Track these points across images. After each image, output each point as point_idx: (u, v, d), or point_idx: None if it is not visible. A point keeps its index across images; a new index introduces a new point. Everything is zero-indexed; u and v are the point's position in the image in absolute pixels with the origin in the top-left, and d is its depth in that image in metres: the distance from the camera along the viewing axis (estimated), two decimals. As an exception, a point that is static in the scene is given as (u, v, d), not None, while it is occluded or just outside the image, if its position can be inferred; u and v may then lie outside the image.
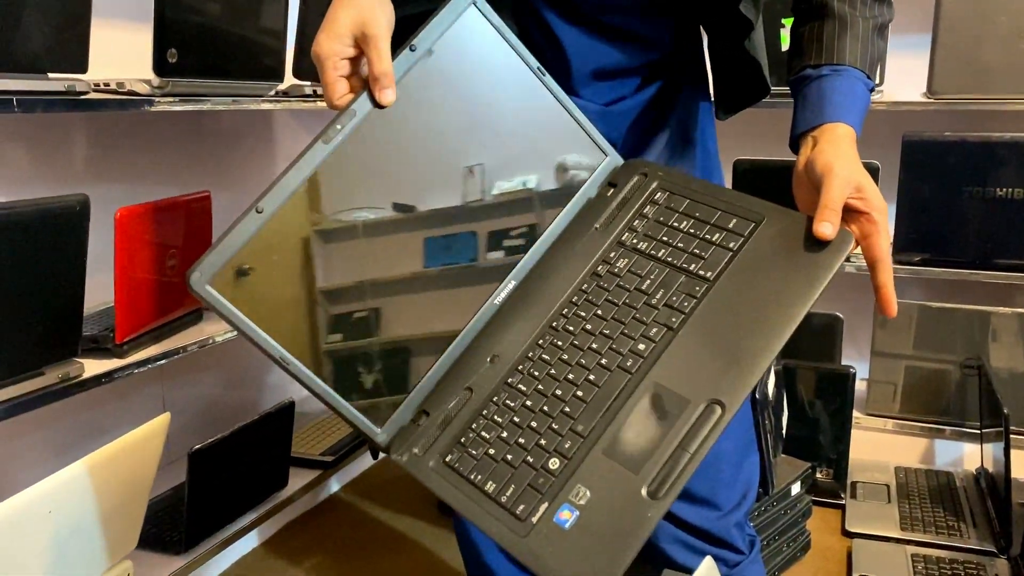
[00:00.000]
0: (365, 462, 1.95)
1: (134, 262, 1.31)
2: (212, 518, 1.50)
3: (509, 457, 0.71)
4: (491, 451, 0.72)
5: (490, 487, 0.69)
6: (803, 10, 1.08)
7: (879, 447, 2.01)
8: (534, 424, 0.72)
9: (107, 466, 1.11)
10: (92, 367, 1.29)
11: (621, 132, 1.16)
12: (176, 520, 1.50)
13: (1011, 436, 1.74)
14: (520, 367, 0.76)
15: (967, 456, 1.97)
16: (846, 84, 0.98)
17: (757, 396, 1.41)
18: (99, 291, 1.52)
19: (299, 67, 1.63)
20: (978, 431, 1.90)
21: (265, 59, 1.53)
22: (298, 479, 1.74)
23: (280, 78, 1.57)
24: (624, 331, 0.75)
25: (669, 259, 0.79)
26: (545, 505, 0.67)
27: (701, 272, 0.78)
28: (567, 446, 0.69)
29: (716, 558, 1.39)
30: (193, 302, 1.49)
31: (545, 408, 0.72)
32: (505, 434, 0.72)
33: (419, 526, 1.73)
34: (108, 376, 1.29)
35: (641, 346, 0.74)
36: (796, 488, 1.56)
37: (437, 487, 0.73)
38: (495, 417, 0.74)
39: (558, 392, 0.73)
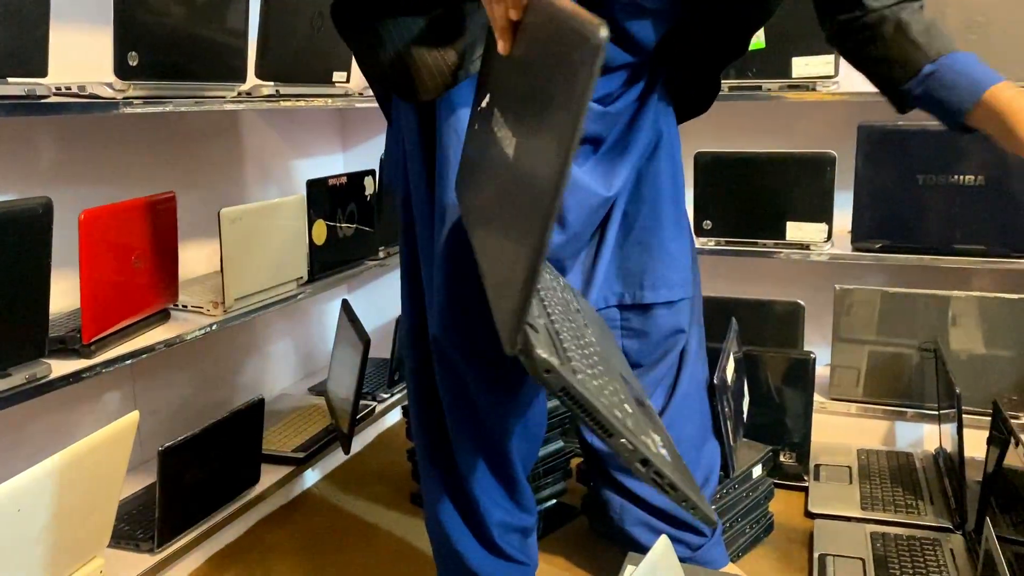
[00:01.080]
0: (338, 457, 1.97)
1: (99, 263, 1.32)
2: (183, 515, 1.52)
3: None
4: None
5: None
6: (863, 30, 1.18)
7: (843, 430, 2.06)
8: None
9: (76, 464, 1.13)
10: (59, 367, 1.30)
11: (611, 131, 1.20)
12: (148, 518, 1.52)
13: (965, 416, 1.80)
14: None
15: (927, 437, 2.02)
16: (970, 60, 1.11)
17: (715, 382, 1.44)
18: (69, 293, 1.54)
19: (262, 68, 1.64)
20: (936, 412, 1.96)
21: (227, 60, 1.55)
22: (270, 475, 1.76)
23: (243, 79, 1.59)
24: None
25: None
26: None
27: None
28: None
29: (680, 540, 1.43)
30: (160, 301, 1.51)
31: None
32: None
33: (391, 517, 1.75)
34: (76, 376, 1.30)
35: None
36: (757, 471, 1.60)
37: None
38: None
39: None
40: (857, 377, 2.05)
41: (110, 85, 1.37)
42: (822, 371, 2.09)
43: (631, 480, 1.40)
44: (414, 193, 1.20)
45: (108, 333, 1.38)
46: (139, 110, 1.40)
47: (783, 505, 1.76)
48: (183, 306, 1.57)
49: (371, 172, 1.92)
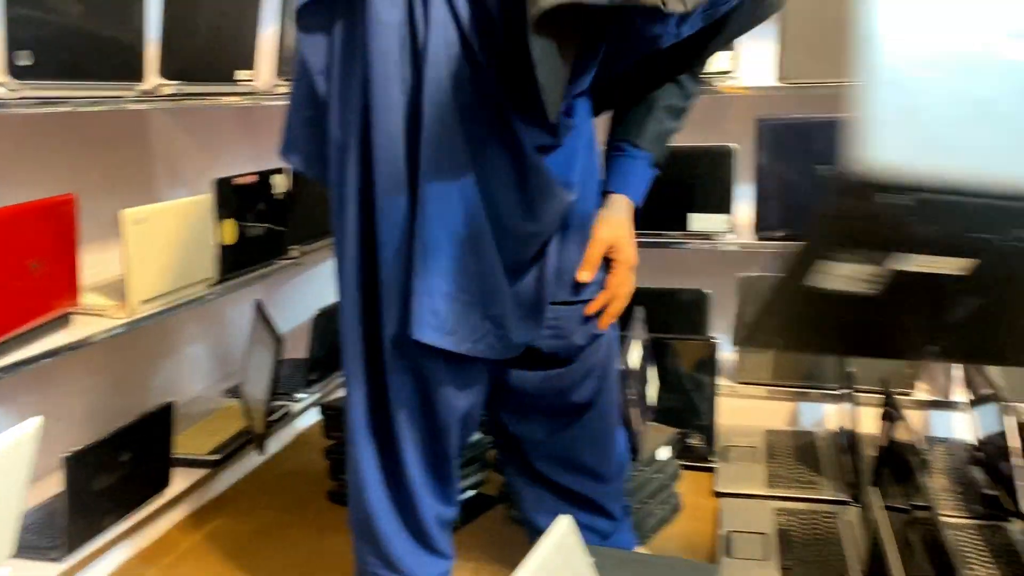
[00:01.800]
0: (255, 459, 1.96)
1: (-7, 267, 1.29)
2: (93, 522, 1.49)
3: None
4: None
5: None
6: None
7: (751, 413, 2.14)
8: None
9: (-27, 473, 1.10)
10: (-47, 375, 1.27)
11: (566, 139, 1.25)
12: (56, 526, 1.49)
13: (863, 395, 1.89)
14: None
15: (830, 416, 2.11)
16: (636, 165, 1.33)
17: (620, 368, 1.49)
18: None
19: (164, 67, 1.62)
20: (838, 393, 2.05)
21: (126, 59, 1.53)
22: (184, 479, 1.74)
23: (141, 78, 1.56)
24: None
25: None
26: None
27: None
28: None
29: (591, 527, 1.46)
30: (61, 306, 1.48)
31: None
32: None
33: (309, 516, 1.75)
34: (-29, 383, 1.27)
35: None
36: (664, 453, 1.65)
37: None
38: None
39: None
40: (764, 361, 2.13)
41: (3, 85, 1.34)
42: (731, 356, 2.17)
43: (545, 466, 1.43)
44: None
45: (5, 339, 1.35)
46: (34, 110, 1.37)
47: (692, 486, 1.82)
48: (85, 310, 1.54)
49: (280, 170, 1.91)
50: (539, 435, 1.40)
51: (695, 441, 1.91)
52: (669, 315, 2.12)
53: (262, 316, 1.81)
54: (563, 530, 1.04)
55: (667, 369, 1.93)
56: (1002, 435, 1.60)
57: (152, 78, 1.61)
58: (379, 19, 1.12)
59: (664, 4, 0.98)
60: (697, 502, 1.76)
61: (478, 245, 1.16)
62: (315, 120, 1.23)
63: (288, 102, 1.28)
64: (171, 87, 1.64)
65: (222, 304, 2.18)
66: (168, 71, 1.63)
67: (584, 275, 1.29)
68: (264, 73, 2.00)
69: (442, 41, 1.11)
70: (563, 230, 1.26)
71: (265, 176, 1.86)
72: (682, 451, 1.87)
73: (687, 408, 1.93)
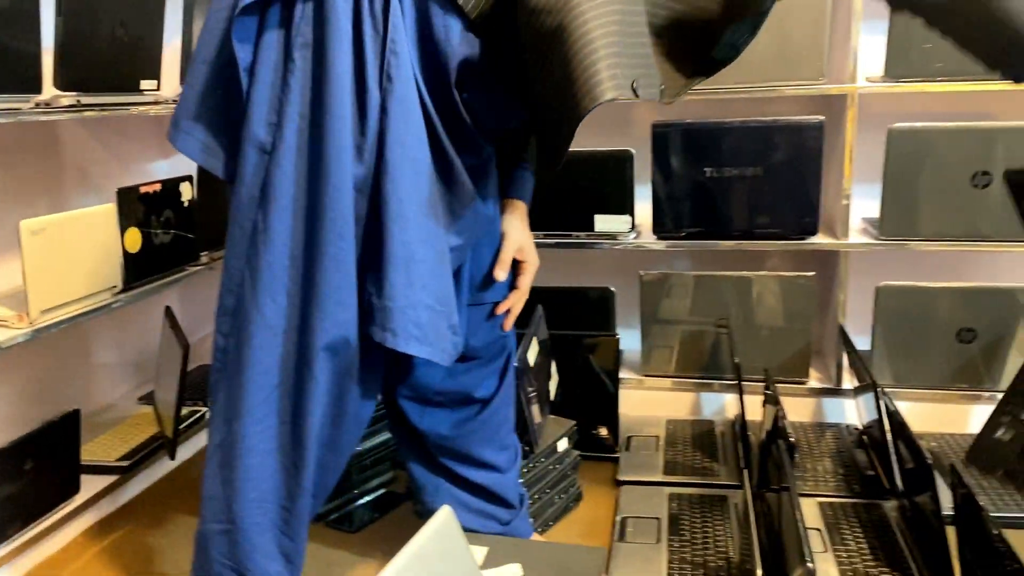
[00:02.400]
0: (164, 466, 1.98)
1: None
2: (-4, 530, 1.50)
3: None
4: None
5: None
6: None
7: (656, 404, 2.23)
8: None
9: None
10: None
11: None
12: (-43, 536, 1.50)
13: (756, 384, 1.99)
14: None
15: (728, 405, 2.21)
16: (528, 175, 1.46)
17: (517, 364, 1.55)
18: None
19: (61, 77, 1.63)
20: (735, 382, 2.15)
21: (20, 70, 1.54)
22: (93, 485, 1.75)
23: (39, 89, 1.58)
24: None
25: None
26: None
27: None
28: None
29: (492, 516, 1.53)
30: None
31: None
32: None
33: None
34: None
35: None
36: (563, 444, 1.73)
37: None
38: None
39: None
40: (669, 355, 2.22)
41: None
42: (636, 350, 2.26)
43: (447, 459, 1.49)
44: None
45: (-99, 351, 1.36)
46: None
47: (596, 475, 1.90)
48: (-14, 320, 1.55)
49: (188, 178, 1.93)
50: (442, 429, 1.46)
51: (600, 432, 1.99)
52: (576, 313, 2.20)
53: (170, 321, 1.83)
54: (442, 518, 1.10)
55: (573, 364, 2.01)
56: (880, 420, 1.71)
57: (49, 89, 1.62)
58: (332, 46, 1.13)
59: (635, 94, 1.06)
60: (600, 491, 1.84)
61: (443, 257, 1.22)
62: (221, 111, 1.22)
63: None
64: (69, 98, 1.66)
65: (133, 312, 2.19)
66: (65, 82, 1.64)
67: (500, 274, 1.40)
68: (170, 82, 2.02)
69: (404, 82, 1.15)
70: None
71: (171, 184, 1.88)
72: (588, 442, 1.95)
73: (593, 401, 2.01)
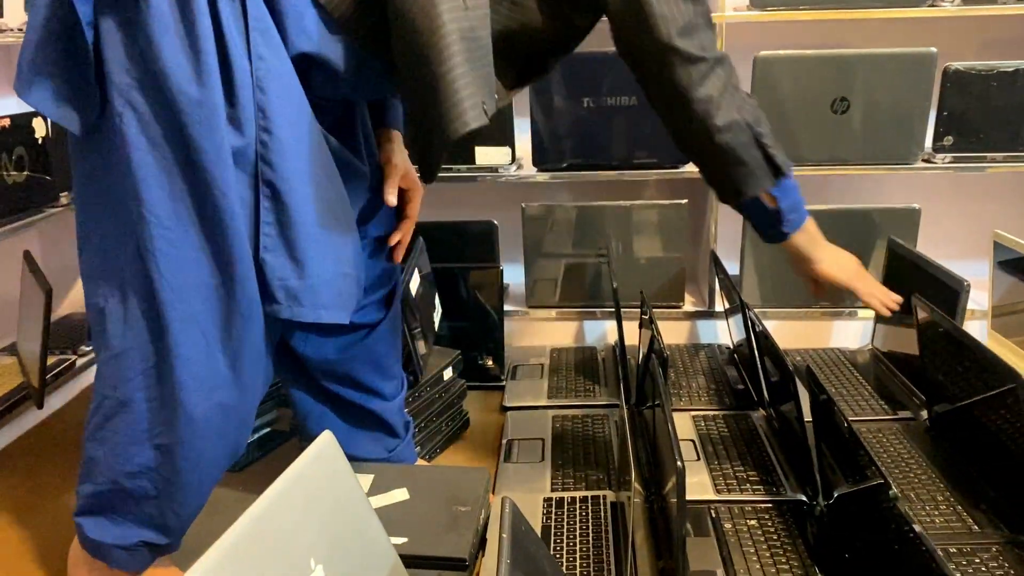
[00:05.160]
0: (32, 417, 1.90)
1: None
2: None
3: None
4: None
5: None
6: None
7: (541, 334, 2.28)
8: None
9: None
10: None
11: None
12: None
13: (627, 309, 2.05)
14: None
15: (609, 332, 2.28)
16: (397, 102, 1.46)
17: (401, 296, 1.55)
18: None
19: None
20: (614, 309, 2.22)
21: None
22: (-47, 439, 1.66)
23: None
24: None
25: None
26: None
27: None
28: None
29: (377, 443, 1.54)
30: None
31: None
32: None
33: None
34: None
35: None
36: (448, 373, 1.75)
37: None
38: None
39: None
40: (552, 286, 2.26)
41: None
42: (522, 283, 2.29)
43: (333, 383, 1.47)
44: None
45: None
46: None
47: (483, 404, 1.93)
48: None
49: (40, 113, 1.81)
50: (327, 353, 1.44)
51: (486, 362, 2.02)
52: (460, 246, 2.21)
53: (30, 266, 1.74)
54: (323, 442, 1.10)
55: (458, 296, 2.02)
56: (749, 339, 1.80)
57: None
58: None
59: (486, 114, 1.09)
60: (486, 418, 1.87)
61: (350, 222, 1.23)
62: (68, 61, 1.11)
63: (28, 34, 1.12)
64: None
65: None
66: None
67: (391, 199, 1.40)
68: (15, 11, 1.88)
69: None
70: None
71: (22, 120, 1.76)
72: (475, 373, 1.98)
73: (478, 332, 2.03)
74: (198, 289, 1.13)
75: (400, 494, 1.40)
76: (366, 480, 1.44)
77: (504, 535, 0.94)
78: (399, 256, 1.47)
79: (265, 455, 1.75)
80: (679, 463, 1.06)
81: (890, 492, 1.03)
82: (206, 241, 1.12)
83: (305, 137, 1.15)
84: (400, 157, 1.43)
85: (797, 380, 1.45)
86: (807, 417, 1.43)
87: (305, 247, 1.15)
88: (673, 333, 2.23)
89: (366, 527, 1.10)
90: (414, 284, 1.68)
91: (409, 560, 1.20)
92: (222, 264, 1.13)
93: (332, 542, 1.02)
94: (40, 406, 1.73)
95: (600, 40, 2.24)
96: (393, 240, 1.44)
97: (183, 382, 1.15)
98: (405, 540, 1.28)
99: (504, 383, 2.00)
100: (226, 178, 1.09)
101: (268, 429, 1.81)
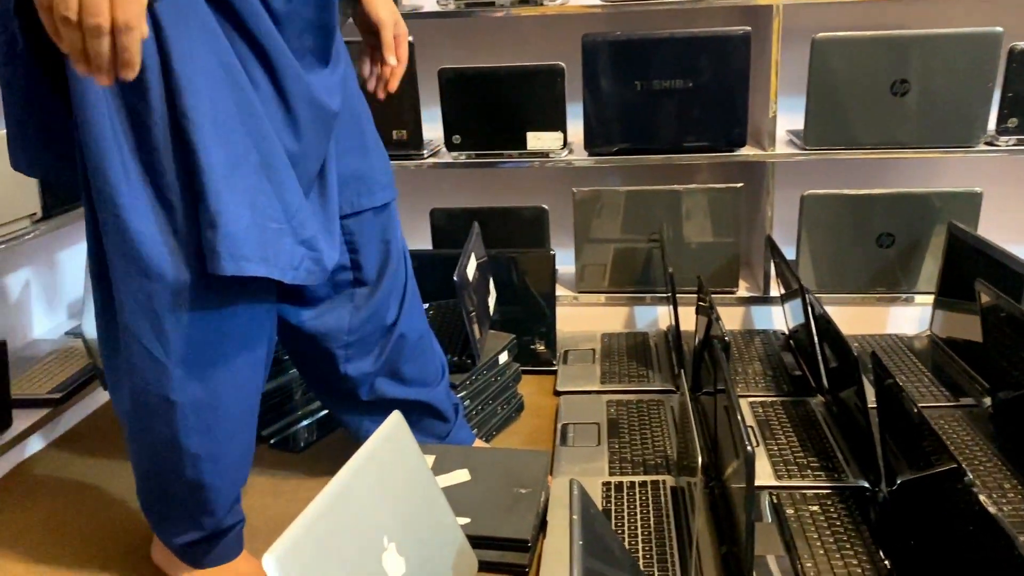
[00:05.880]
0: (100, 396, 1.95)
1: None
2: (-73, 466, 1.46)
3: None
4: None
5: None
6: None
7: (591, 320, 2.27)
8: None
9: None
10: None
11: (323, 43, 1.22)
12: None
13: (689, 295, 2.05)
14: None
15: (661, 317, 2.27)
16: None
17: (456, 279, 1.56)
18: None
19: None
20: (667, 295, 2.21)
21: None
22: (24, 419, 1.71)
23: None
24: None
25: None
26: None
27: None
28: None
29: (428, 431, 1.55)
30: None
31: None
32: None
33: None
34: None
35: None
36: (504, 357, 1.76)
37: None
38: None
39: None
40: (603, 271, 2.26)
41: None
42: (572, 267, 2.29)
43: (376, 390, 1.47)
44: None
45: None
46: None
47: (536, 388, 1.94)
48: (-102, 251, 1.48)
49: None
50: (368, 367, 1.44)
51: (538, 347, 2.03)
52: (511, 232, 2.21)
53: (96, 251, 1.78)
54: (393, 423, 1.12)
55: (510, 281, 2.03)
56: (806, 324, 1.78)
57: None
58: None
59: None
60: (540, 402, 1.88)
61: (274, 169, 1.12)
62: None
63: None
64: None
65: (55, 243, 2.12)
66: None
67: (391, 57, 1.33)
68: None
69: None
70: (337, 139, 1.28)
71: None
72: (527, 358, 1.99)
73: (530, 317, 2.04)
74: (116, 260, 1.09)
75: (461, 475, 1.41)
76: (428, 461, 1.45)
77: (575, 516, 0.94)
78: (392, 85, 1.36)
79: (323, 437, 1.78)
80: (749, 447, 1.06)
81: (965, 478, 1.02)
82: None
83: (210, 72, 1.04)
84: (386, 12, 1.33)
85: (860, 366, 1.44)
86: (870, 403, 1.42)
87: (208, 194, 1.05)
88: (727, 318, 2.21)
89: (434, 506, 1.12)
90: (470, 269, 1.69)
91: (472, 540, 1.21)
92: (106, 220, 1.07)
93: (403, 520, 1.04)
94: (107, 387, 1.77)
95: (650, 23, 2.24)
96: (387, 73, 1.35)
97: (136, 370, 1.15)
98: (468, 520, 1.30)
99: (556, 367, 2.01)
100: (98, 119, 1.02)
101: (325, 411, 1.83)
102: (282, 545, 0.86)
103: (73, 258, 2.16)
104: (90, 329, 1.88)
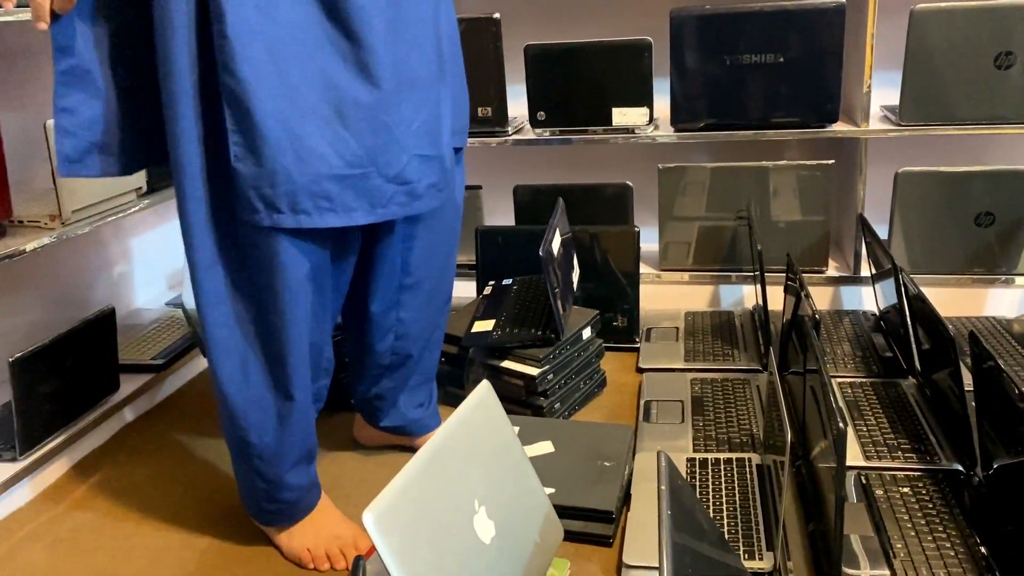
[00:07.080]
0: (199, 364, 2.03)
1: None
2: (44, 424, 1.56)
3: None
4: None
5: None
6: None
7: (674, 298, 2.26)
8: None
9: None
10: None
11: None
12: (8, 429, 1.55)
13: (776, 274, 2.02)
14: None
15: (747, 296, 2.25)
16: None
17: (542, 253, 1.58)
18: None
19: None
20: (753, 273, 2.18)
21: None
22: (130, 384, 1.80)
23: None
24: None
25: None
26: None
27: None
28: None
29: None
30: (-7, 217, 1.51)
31: None
32: None
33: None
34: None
35: None
36: (587, 333, 1.76)
37: None
38: None
39: None
40: (686, 248, 2.24)
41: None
42: (655, 245, 2.28)
43: (409, 350, 1.50)
44: None
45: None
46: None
47: (618, 364, 1.94)
48: (19, 221, 1.57)
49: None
50: (412, 312, 1.45)
51: (620, 323, 2.03)
52: (595, 209, 2.21)
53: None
54: (483, 390, 1.14)
55: (593, 258, 2.03)
56: (898, 305, 1.73)
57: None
58: None
59: None
60: (622, 378, 1.89)
61: (348, 115, 1.13)
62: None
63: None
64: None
65: (161, 215, 2.21)
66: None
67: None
68: None
69: None
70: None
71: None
72: (609, 334, 1.99)
73: (613, 294, 2.04)
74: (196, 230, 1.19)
75: (545, 446, 1.43)
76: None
77: (663, 487, 0.95)
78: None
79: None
80: (841, 424, 1.05)
81: (1070, 461, 0.99)
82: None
83: (264, 32, 1.07)
84: None
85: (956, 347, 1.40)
86: (967, 386, 1.38)
87: (274, 151, 1.09)
88: (816, 298, 2.17)
89: (522, 473, 1.14)
90: (555, 244, 1.70)
91: (558, 510, 1.23)
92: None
93: (492, 485, 1.06)
94: (205, 354, 1.85)
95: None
96: None
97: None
98: (553, 490, 1.32)
99: (638, 345, 2.01)
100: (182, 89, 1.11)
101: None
102: (379, 504, 0.89)
103: (173, 232, 2.25)
104: (189, 300, 1.96)
